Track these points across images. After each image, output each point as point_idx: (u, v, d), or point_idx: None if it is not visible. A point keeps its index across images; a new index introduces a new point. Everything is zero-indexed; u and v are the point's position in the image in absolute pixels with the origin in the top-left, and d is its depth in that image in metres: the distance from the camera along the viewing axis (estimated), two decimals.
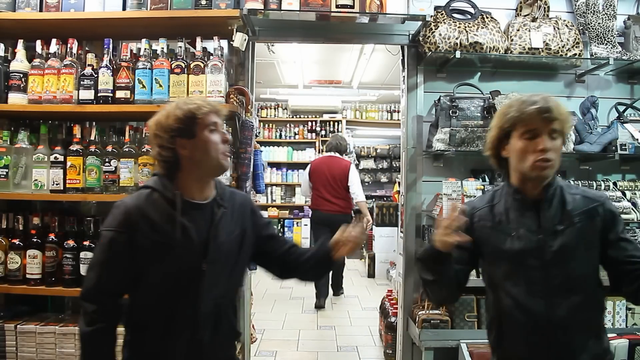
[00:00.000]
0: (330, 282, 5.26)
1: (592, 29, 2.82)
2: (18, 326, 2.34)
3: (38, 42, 2.43)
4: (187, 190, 1.43)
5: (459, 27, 2.71)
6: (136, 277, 1.40)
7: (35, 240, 2.36)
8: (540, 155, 1.37)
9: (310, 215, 5.19)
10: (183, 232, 1.38)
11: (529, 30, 2.77)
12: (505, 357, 1.50)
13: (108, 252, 1.39)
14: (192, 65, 2.35)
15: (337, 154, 4.98)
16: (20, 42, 2.44)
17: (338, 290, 5.44)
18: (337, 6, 2.55)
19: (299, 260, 1.63)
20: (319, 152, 8.85)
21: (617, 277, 1.43)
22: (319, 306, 5.00)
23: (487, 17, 2.79)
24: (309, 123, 9.01)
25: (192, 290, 1.39)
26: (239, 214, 1.53)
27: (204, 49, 2.46)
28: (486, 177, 2.83)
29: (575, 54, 2.75)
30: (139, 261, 1.38)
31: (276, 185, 8.91)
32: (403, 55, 2.99)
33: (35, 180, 2.37)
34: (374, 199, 8.10)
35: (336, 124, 9.01)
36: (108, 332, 1.41)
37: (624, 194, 2.74)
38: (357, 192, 4.79)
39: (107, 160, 2.35)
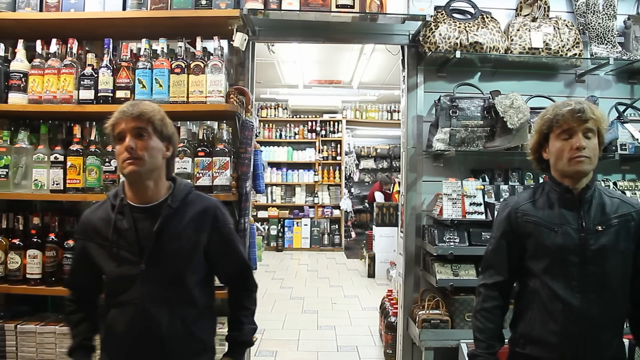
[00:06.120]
0: None
1: (592, 29, 2.82)
2: (18, 326, 2.34)
3: (38, 42, 2.43)
4: (129, 194, 1.47)
5: (459, 27, 2.71)
6: (100, 277, 1.52)
7: (35, 240, 2.36)
8: (575, 153, 1.47)
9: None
10: (118, 234, 1.43)
11: (529, 30, 2.77)
12: (532, 346, 1.54)
13: (74, 255, 1.66)
14: (192, 65, 2.34)
15: (383, 184, 8.22)
16: (20, 42, 2.44)
17: None
18: (337, 6, 2.55)
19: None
20: (319, 152, 8.91)
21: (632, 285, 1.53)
22: None
23: (487, 17, 2.79)
24: (309, 123, 9.01)
25: (134, 290, 1.42)
26: (197, 217, 1.49)
27: (204, 49, 2.46)
28: (486, 177, 2.83)
29: (575, 54, 2.75)
30: (94, 263, 1.49)
31: (276, 185, 8.92)
32: (403, 55, 2.99)
33: (35, 180, 2.37)
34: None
35: (336, 124, 9.01)
36: (80, 313, 1.57)
37: (624, 194, 2.73)
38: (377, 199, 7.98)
39: (107, 160, 2.35)
